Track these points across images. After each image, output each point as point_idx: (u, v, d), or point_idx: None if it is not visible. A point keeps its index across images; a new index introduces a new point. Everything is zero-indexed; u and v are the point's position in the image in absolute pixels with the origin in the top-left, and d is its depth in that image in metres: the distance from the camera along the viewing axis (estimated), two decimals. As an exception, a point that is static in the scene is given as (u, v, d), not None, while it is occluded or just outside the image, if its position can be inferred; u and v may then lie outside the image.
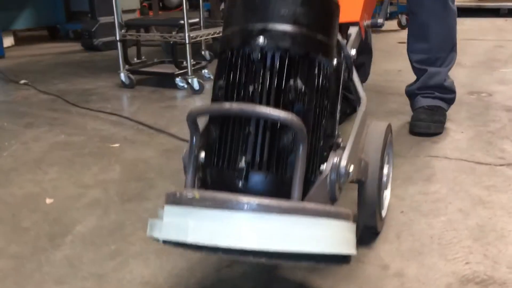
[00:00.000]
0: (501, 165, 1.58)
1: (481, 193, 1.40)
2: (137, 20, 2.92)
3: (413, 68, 1.96)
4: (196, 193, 0.68)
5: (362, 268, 1.06)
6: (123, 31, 2.76)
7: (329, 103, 0.84)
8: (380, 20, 1.17)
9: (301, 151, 0.71)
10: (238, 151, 0.76)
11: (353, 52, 1.06)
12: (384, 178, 1.18)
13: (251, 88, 0.78)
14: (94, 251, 1.15)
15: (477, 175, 1.52)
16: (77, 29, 4.82)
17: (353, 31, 1.12)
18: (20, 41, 4.81)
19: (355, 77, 1.01)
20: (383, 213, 1.20)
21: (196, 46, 3.02)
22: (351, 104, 2.11)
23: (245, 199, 0.66)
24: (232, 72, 0.80)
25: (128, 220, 1.29)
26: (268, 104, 0.77)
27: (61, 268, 1.09)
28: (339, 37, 0.96)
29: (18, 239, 1.21)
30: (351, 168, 0.82)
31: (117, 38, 2.73)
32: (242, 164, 0.75)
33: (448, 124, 1.96)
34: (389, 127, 1.19)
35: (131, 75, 2.80)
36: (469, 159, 1.64)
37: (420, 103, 1.94)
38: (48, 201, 1.41)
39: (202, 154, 0.81)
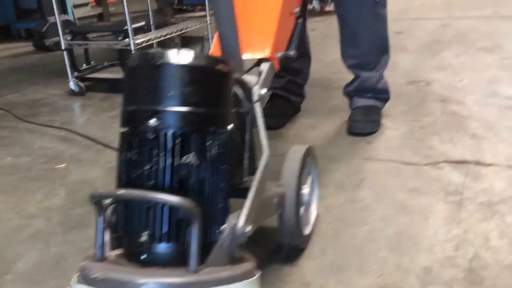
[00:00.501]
0: (426, 164, 1.68)
1: (404, 197, 1.50)
2: (81, 27, 2.90)
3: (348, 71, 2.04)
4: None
5: (285, 288, 1.15)
6: (68, 38, 2.75)
7: (228, 164, 0.90)
8: (291, 52, 1.23)
9: (194, 226, 0.78)
10: (140, 225, 0.83)
11: (263, 91, 1.11)
12: (306, 198, 1.25)
13: (147, 167, 0.84)
14: (35, 288, 1.21)
15: (403, 177, 1.61)
16: (28, 28, 4.73)
17: (264, 67, 1.17)
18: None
19: (260, 125, 1.06)
20: (307, 230, 1.28)
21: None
22: (293, 105, 2.18)
23: (142, 279, 0.73)
24: (130, 150, 0.86)
25: (69, 252, 1.34)
26: (163, 182, 0.84)
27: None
28: (238, 90, 1.02)
29: (-40, 282, 1.25)
30: (249, 228, 0.88)
31: (62, 47, 2.71)
32: (144, 237, 0.82)
33: (384, 120, 2.06)
34: (308, 151, 1.26)
35: (80, 83, 2.80)
36: (398, 159, 1.73)
37: (356, 104, 2.02)
38: (-9, 236, 1.45)
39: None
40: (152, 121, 0.84)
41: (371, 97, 2.02)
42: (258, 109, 1.08)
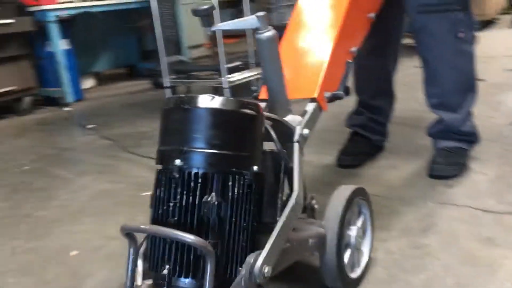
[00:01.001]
0: (509, 213, 1.54)
1: (474, 247, 1.38)
2: (183, 66, 3.16)
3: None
4: None
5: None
6: (172, 77, 3.01)
7: (252, 204, 0.93)
8: (340, 92, 1.23)
9: (208, 264, 0.82)
10: (163, 259, 0.90)
11: (305, 131, 1.12)
12: (353, 240, 1.22)
13: (171, 204, 0.91)
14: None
15: (478, 226, 1.49)
16: (148, 68, 5.22)
17: (309, 108, 1.19)
18: (102, 80, 5.31)
19: (295, 164, 1.07)
20: (355, 273, 1.24)
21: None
22: (373, 144, 2.13)
23: None
24: (160, 187, 0.94)
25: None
26: (184, 220, 0.89)
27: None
28: (278, 129, 1.05)
29: (39, 292, 1.42)
30: (267, 269, 0.89)
31: (166, 85, 2.97)
32: (165, 271, 0.88)
33: (474, 164, 1.92)
34: (358, 191, 1.24)
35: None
36: (477, 206, 1.61)
37: (439, 145, 1.92)
38: (73, 253, 1.62)
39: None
40: (177, 161, 0.91)
41: (455, 138, 1.90)
42: (296, 148, 1.09)
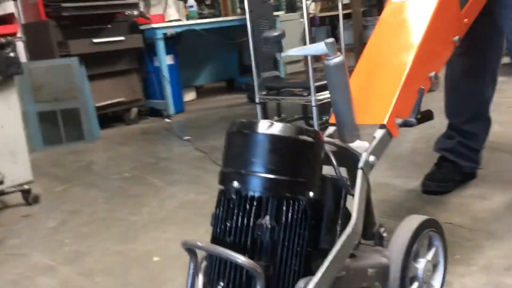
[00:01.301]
0: None
1: None
2: (276, 82, 3.22)
3: None
4: None
5: None
6: (263, 93, 3.09)
7: (306, 230, 0.95)
8: (411, 120, 1.20)
9: (256, 287, 0.86)
10: (218, 276, 0.94)
11: (371, 158, 1.11)
12: (420, 272, 1.18)
13: (229, 223, 0.95)
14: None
15: None
16: (246, 82, 5.39)
17: (377, 134, 1.17)
18: (202, 93, 5.58)
19: (357, 193, 1.06)
20: (420, 308, 1.19)
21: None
22: (462, 171, 2.02)
23: None
24: (220, 206, 0.99)
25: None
26: (240, 239, 0.93)
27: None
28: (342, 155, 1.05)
29: (121, 293, 1.54)
30: None
31: (256, 101, 3.06)
32: (220, 287, 0.93)
33: None
34: (428, 222, 1.19)
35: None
36: None
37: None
38: (155, 259, 1.73)
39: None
40: (235, 183, 0.95)
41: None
42: (359, 176, 1.08)
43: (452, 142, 2.01)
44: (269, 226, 0.92)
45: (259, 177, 0.94)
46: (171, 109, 4.46)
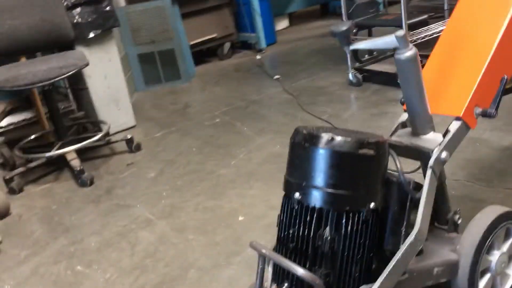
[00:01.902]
0: None
1: None
2: (365, 21, 3.05)
3: None
4: None
5: None
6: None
7: (367, 238, 0.97)
8: (491, 110, 1.11)
9: None
10: (283, 277, 1.01)
11: (443, 155, 1.07)
12: (493, 265, 1.16)
13: (291, 231, 1.00)
14: (250, 275, 1.54)
15: None
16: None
17: (452, 127, 1.11)
18: (295, 19, 5.46)
19: (423, 197, 1.03)
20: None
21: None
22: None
23: None
24: (283, 212, 1.04)
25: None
26: (301, 247, 0.98)
27: (222, 285, 1.52)
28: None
29: (208, 253, 1.70)
30: None
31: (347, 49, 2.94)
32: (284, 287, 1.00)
33: None
34: (504, 216, 1.15)
35: (358, 74, 3.01)
36: None
37: None
38: (241, 218, 1.86)
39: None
40: (297, 194, 0.99)
41: None
42: (428, 177, 1.06)
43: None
44: (329, 237, 0.96)
45: (320, 191, 0.96)
46: (263, 43, 4.45)
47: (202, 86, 3.78)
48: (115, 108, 3.04)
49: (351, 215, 0.97)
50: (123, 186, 2.32)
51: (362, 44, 1.13)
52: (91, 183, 2.38)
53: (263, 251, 1.02)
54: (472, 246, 1.11)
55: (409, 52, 1.07)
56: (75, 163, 2.43)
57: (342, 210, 0.96)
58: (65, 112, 3.04)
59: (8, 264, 1.83)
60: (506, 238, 1.20)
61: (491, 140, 2.02)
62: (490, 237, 1.13)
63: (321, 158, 0.97)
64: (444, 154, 1.08)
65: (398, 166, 1.02)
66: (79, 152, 2.56)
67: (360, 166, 0.97)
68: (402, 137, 1.17)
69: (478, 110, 1.13)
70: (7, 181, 2.44)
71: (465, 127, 1.12)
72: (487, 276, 1.17)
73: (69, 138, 2.65)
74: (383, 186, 1.01)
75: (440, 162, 1.08)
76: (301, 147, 1.01)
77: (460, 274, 1.11)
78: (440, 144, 1.09)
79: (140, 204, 2.11)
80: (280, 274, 1.04)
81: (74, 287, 1.64)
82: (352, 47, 1.13)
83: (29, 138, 2.76)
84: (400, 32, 1.05)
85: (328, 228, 0.97)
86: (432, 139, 1.13)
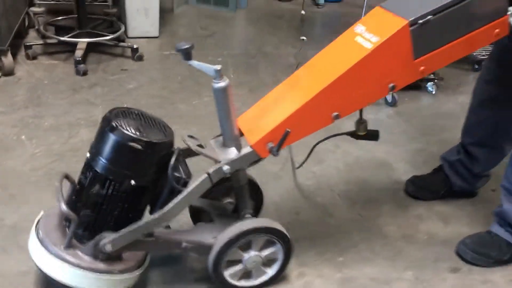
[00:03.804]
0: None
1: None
2: None
3: None
4: None
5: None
6: None
7: (125, 204, 1.32)
8: (274, 150, 1.35)
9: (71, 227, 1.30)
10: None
11: (225, 168, 1.34)
12: (252, 262, 1.47)
13: (81, 176, 1.36)
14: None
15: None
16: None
17: (243, 151, 1.38)
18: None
19: (180, 195, 1.32)
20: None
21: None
22: (450, 186, 1.99)
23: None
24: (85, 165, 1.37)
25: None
26: (80, 190, 1.35)
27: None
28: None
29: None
30: (107, 247, 1.30)
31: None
32: None
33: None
34: (253, 230, 1.44)
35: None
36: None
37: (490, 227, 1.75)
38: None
39: None
40: (88, 155, 1.33)
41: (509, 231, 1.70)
42: (201, 177, 1.33)
43: (455, 157, 1.96)
44: (95, 192, 1.31)
45: (100, 160, 1.30)
46: (323, -2, 4.51)
47: (239, 22, 4.00)
48: (144, 16, 3.40)
49: (113, 183, 1.30)
50: (104, 86, 2.74)
51: (195, 63, 1.35)
52: (84, 74, 2.83)
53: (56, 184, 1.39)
54: (224, 241, 1.39)
55: (222, 83, 1.33)
56: (78, 53, 2.87)
57: (108, 178, 1.31)
58: (98, 5, 3.45)
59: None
60: (266, 246, 1.47)
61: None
62: (240, 240, 1.40)
63: (106, 137, 1.29)
64: (226, 167, 1.36)
65: (171, 162, 1.31)
66: (92, 44, 3.00)
67: (127, 153, 1.27)
68: (211, 143, 1.44)
69: (271, 145, 1.38)
70: (26, 47, 2.95)
71: (253, 155, 1.38)
72: (239, 266, 1.47)
73: (87, 28, 3.08)
74: (157, 173, 1.33)
75: (220, 172, 1.36)
76: (102, 124, 1.33)
77: (210, 255, 1.43)
78: (226, 159, 1.37)
79: (102, 106, 2.54)
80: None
81: (8, 150, 2.13)
82: (190, 62, 1.36)
83: (59, 18, 3.23)
84: (217, 66, 1.31)
85: (97, 186, 1.32)
86: (228, 153, 1.40)
